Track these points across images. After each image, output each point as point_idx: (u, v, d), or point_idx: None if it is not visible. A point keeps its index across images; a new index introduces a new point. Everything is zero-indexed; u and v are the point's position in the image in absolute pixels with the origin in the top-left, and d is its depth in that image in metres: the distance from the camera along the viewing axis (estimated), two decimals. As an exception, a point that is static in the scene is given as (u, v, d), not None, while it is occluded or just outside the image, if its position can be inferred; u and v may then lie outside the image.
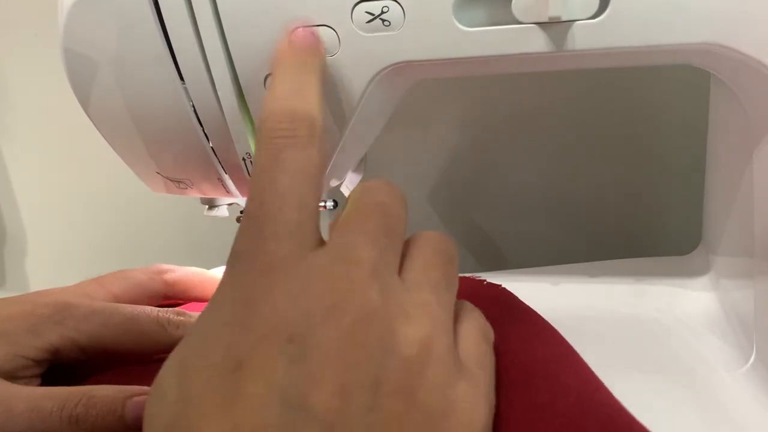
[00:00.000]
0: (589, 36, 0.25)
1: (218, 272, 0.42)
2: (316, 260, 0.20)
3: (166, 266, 0.38)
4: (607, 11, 0.24)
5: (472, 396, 0.20)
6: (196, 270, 0.39)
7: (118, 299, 0.34)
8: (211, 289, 0.39)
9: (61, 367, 0.30)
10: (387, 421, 0.18)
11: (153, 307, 0.33)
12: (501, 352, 0.24)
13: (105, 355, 0.31)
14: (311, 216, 0.21)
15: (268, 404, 0.17)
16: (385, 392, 0.18)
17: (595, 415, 0.22)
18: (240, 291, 0.19)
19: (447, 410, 0.19)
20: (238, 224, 0.41)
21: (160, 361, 0.33)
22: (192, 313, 0.33)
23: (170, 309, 0.33)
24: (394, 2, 0.25)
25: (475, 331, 0.22)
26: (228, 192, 0.35)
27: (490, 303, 0.32)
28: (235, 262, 0.20)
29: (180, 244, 0.66)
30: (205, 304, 0.40)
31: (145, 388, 0.27)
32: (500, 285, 0.36)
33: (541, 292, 0.40)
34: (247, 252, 0.20)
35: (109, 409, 0.26)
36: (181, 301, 0.39)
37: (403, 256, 0.22)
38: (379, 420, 0.17)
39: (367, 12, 0.26)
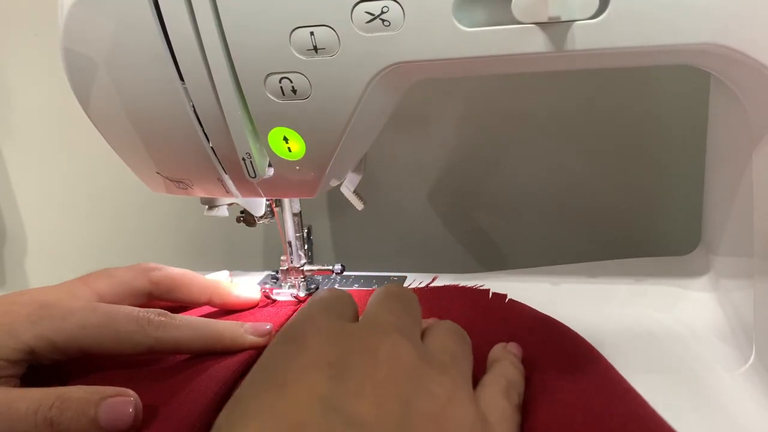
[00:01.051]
0: (589, 36, 0.25)
1: (214, 275, 0.42)
2: (351, 324, 0.24)
3: (152, 264, 0.37)
4: (607, 11, 0.24)
5: None
6: (181, 270, 0.38)
7: (103, 297, 0.34)
8: (195, 289, 0.39)
9: (42, 368, 0.30)
10: None
11: (133, 307, 0.32)
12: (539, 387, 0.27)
13: (83, 355, 0.30)
14: (352, 309, 0.26)
15: (309, 406, 0.19)
16: (416, 412, 0.20)
17: None
18: (292, 333, 0.24)
19: None
20: (237, 224, 0.42)
21: (140, 362, 0.32)
22: (174, 315, 0.32)
23: (152, 309, 0.32)
24: (394, 2, 0.25)
25: (499, 392, 0.26)
26: (228, 192, 0.35)
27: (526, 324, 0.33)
28: (294, 319, 0.25)
29: (179, 244, 0.66)
30: (192, 307, 0.39)
31: (120, 389, 0.27)
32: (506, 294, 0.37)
33: (541, 292, 0.40)
34: (302, 313, 0.25)
35: (82, 411, 0.26)
36: (173, 304, 0.38)
37: (425, 335, 0.26)
38: None
39: (367, 12, 0.26)
